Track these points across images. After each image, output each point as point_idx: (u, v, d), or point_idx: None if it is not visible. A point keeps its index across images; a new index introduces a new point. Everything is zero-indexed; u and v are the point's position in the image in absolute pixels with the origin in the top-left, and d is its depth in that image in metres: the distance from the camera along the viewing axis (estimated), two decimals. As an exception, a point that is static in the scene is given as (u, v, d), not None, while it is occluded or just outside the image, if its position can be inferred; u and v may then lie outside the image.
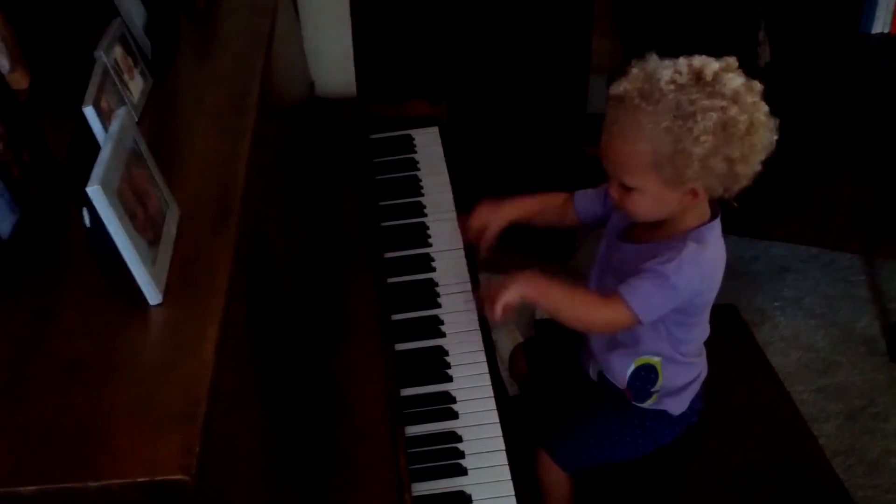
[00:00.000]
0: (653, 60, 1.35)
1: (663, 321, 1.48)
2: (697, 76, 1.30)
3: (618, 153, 1.37)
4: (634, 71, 1.36)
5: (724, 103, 1.29)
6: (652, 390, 1.57)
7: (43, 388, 0.87)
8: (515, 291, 1.42)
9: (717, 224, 1.44)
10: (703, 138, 1.28)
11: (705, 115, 1.28)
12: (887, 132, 2.68)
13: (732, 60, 1.34)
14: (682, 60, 1.33)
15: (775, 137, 1.35)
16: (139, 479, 0.77)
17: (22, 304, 0.97)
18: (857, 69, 2.70)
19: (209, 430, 0.81)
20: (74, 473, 0.78)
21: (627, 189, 1.39)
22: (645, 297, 1.39)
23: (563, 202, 1.68)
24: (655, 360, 1.54)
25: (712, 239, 1.42)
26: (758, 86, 1.34)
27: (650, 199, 1.38)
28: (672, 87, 1.30)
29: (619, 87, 1.35)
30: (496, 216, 1.67)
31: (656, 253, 1.41)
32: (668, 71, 1.32)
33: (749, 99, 1.31)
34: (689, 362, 1.56)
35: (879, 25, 2.70)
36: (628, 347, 1.54)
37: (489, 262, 1.74)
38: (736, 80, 1.31)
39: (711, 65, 1.32)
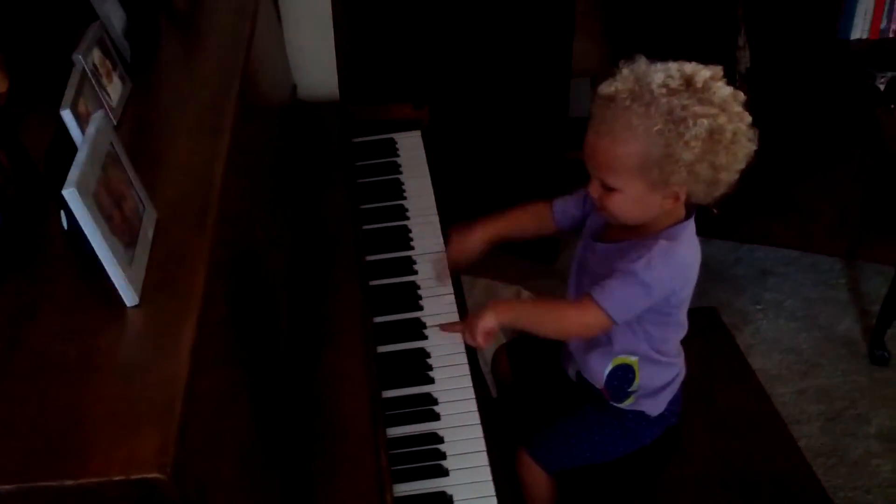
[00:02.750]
0: (642, 62, 1.36)
1: (639, 320, 1.49)
2: (688, 82, 1.31)
3: (605, 153, 1.36)
4: (624, 72, 1.35)
5: (714, 111, 1.29)
6: (629, 390, 1.58)
7: (21, 387, 0.87)
8: (491, 318, 1.47)
9: (690, 223, 1.44)
10: (692, 144, 1.29)
11: (697, 121, 1.28)
12: (867, 136, 2.70)
13: (718, 70, 1.35)
14: (672, 65, 1.33)
15: (754, 147, 1.35)
16: (116, 478, 0.77)
17: (1, 304, 0.97)
18: (837, 74, 2.73)
19: (185, 429, 0.82)
20: (52, 472, 0.78)
21: (609, 189, 1.39)
22: (616, 298, 1.39)
23: (539, 211, 1.68)
24: (633, 359, 1.55)
25: (685, 237, 1.43)
26: (741, 96, 1.34)
27: (631, 201, 1.38)
28: (664, 90, 1.30)
29: (610, 88, 1.35)
30: (470, 246, 1.68)
31: (629, 251, 1.41)
32: (659, 74, 1.32)
33: (735, 108, 1.32)
34: (666, 362, 1.57)
35: (858, 31, 2.72)
36: (605, 347, 1.55)
37: (474, 265, 1.74)
38: (724, 89, 1.32)
39: (702, 72, 1.32)
